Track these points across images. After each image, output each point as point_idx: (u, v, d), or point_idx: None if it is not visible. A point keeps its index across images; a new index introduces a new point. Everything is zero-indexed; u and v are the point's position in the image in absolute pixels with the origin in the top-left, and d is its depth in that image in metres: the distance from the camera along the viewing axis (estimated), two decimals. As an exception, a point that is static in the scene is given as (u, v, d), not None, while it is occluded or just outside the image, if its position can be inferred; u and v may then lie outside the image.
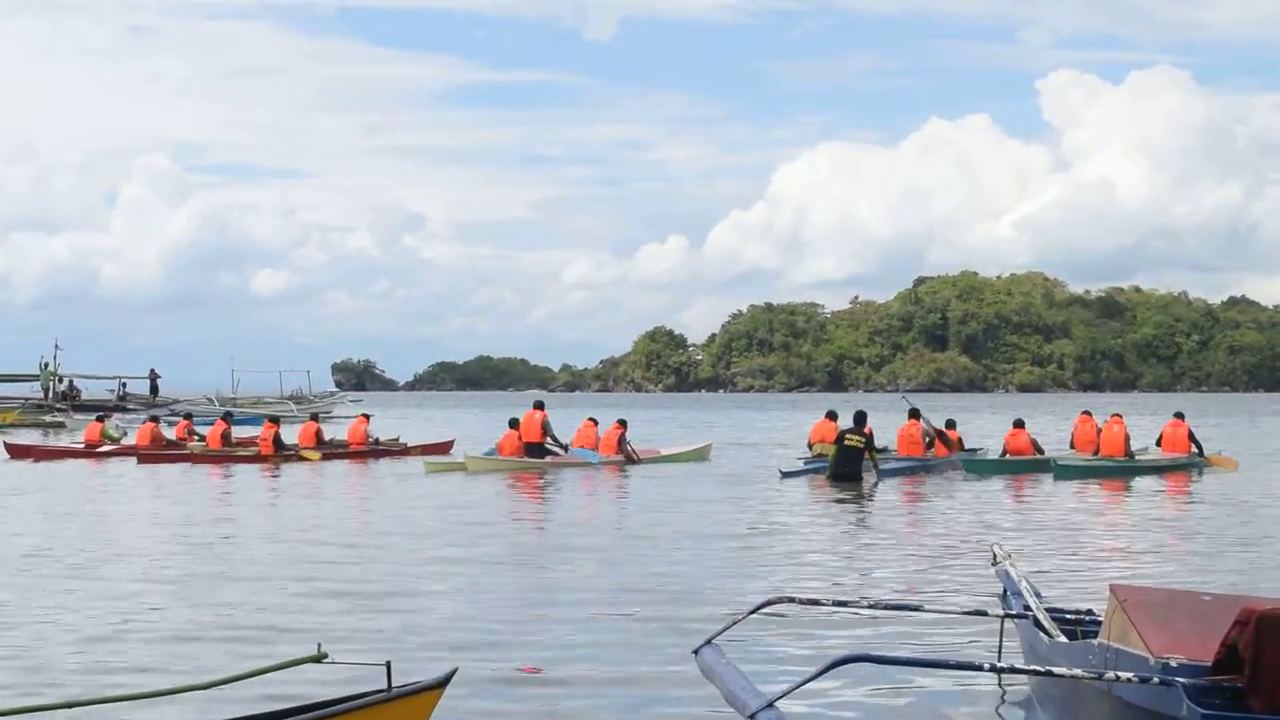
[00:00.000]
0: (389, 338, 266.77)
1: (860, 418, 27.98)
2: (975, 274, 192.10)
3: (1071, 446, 31.74)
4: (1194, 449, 30.82)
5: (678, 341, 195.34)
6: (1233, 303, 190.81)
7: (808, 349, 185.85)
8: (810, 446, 30.41)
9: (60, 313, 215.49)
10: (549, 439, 30.95)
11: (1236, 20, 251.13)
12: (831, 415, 31.31)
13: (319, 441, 34.56)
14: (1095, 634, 8.11)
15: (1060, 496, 24.71)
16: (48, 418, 60.39)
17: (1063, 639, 8.26)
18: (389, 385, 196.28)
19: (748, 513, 21.77)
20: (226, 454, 33.69)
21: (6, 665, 10.07)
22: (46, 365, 69.46)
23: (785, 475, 28.64)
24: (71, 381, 71.67)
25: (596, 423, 32.76)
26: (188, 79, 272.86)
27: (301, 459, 33.33)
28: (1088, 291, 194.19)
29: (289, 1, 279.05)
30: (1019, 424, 31.47)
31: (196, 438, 36.10)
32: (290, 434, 35.70)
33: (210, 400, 67.24)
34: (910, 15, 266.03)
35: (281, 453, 33.55)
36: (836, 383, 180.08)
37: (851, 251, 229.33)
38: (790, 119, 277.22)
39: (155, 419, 39.17)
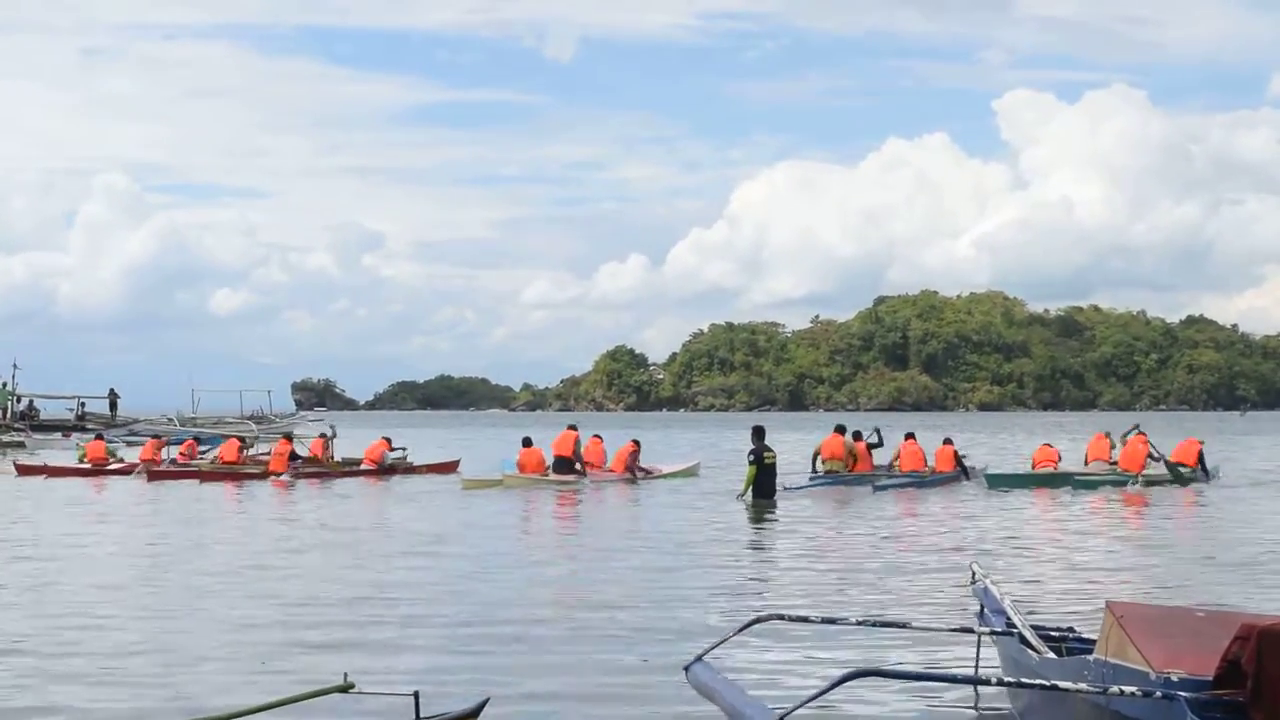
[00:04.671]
0: (349, 357, 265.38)
1: (761, 432, 28.04)
2: (935, 293, 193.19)
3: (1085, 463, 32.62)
4: (1151, 458, 31.18)
5: (639, 360, 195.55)
6: (1191, 321, 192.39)
7: (769, 368, 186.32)
8: (822, 462, 31.24)
9: (18, 332, 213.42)
10: (577, 459, 31.83)
11: (1191, 41, 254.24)
12: (840, 429, 32.18)
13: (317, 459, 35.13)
14: (1080, 651, 8.15)
15: (1047, 509, 25.13)
16: (6, 438, 59.76)
17: (1051, 655, 8.25)
18: (349, 405, 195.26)
19: (737, 530, 22.11)
20: (239, 470, 33.85)
21: (20, 693, 9.88)
22: (4, 385, 68.84)
23: (787, 490, 28.95)
24: (31, 401, 71.04)
25: (602, 439, 33.61)
26: (145, 99, 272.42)
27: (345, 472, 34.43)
28: (1047, 311, 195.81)
29: (247, 21, 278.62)
30: (1048, 445, 33.43)
31: (201, 457, 36.53)
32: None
33: (170, 420, 66.60)
34: (868, 35, 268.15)
35: (294, 468, 33.82)
36: (797, 402, 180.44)
37: (812, 270, 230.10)
38: (749, 138, 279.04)
39: (157, 435, 39.95)
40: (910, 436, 32.38)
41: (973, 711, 9.06)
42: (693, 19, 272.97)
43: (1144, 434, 31.45)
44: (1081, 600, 13.72)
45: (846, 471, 30.76)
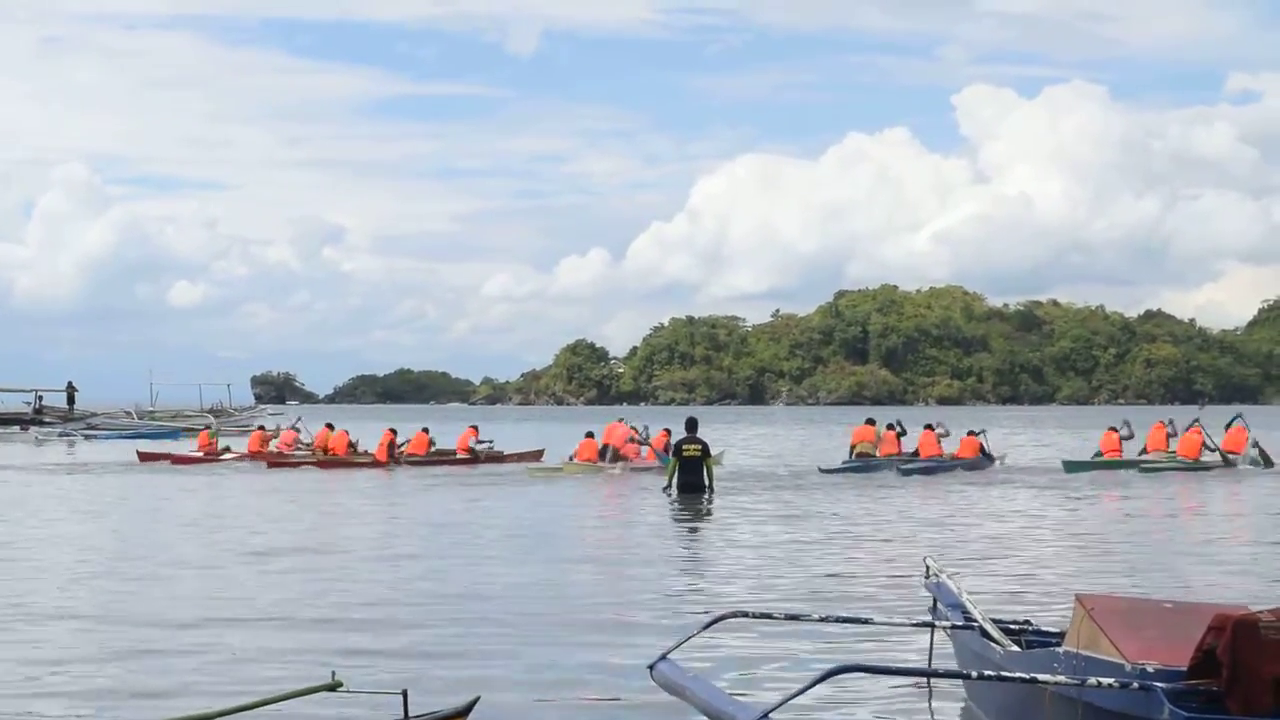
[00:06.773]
0: (309, 350, 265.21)
1: (692, 424, 28.12)
2: (895, 287, 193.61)
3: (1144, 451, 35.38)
4: (1206, 447, 34.31)
5: (599, 354, 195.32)
6: (1149, 316, 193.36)
7: (729, 362, 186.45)
8: (851, 449, 34.50)
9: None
10: (635, 439, 34.64)
11: (1150, 37, 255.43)
12: (870, 421, 35.68)
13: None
14: (1039, 643, 8.16)
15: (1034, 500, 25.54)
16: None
17: (1016, 649, 8.21)
18: (309, 398, 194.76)
19: (714, 520, 22.57)
20: (348, 460, 36.69)
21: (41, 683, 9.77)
22: (-40, 379, 68.47)
23: (824, 471, 32.20)
24: (-13, 394, 70.71)
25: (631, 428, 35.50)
26: (105, 90, 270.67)
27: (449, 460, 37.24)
28: (1006, 305, 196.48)
29: (208, 12, 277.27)
30: (1113, 429, 36.00)
31: (301, 446, 39.50)
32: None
33: (129, 414, 66.27)
34: (828, 30, 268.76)
35: (393, 459, 36.67)
36: (758, 395, 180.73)
37: (772, 264, 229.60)
38: (710, 132, 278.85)
39: (263, 427, 45.12)
40: (929, 427, 35.18)
41: (925, 703, 9.03)
42: (654, 13, 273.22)
43: (1199, 426, 34.55)
44: (1050, 592, 13.74)
45: (875, 456, 33.58)
